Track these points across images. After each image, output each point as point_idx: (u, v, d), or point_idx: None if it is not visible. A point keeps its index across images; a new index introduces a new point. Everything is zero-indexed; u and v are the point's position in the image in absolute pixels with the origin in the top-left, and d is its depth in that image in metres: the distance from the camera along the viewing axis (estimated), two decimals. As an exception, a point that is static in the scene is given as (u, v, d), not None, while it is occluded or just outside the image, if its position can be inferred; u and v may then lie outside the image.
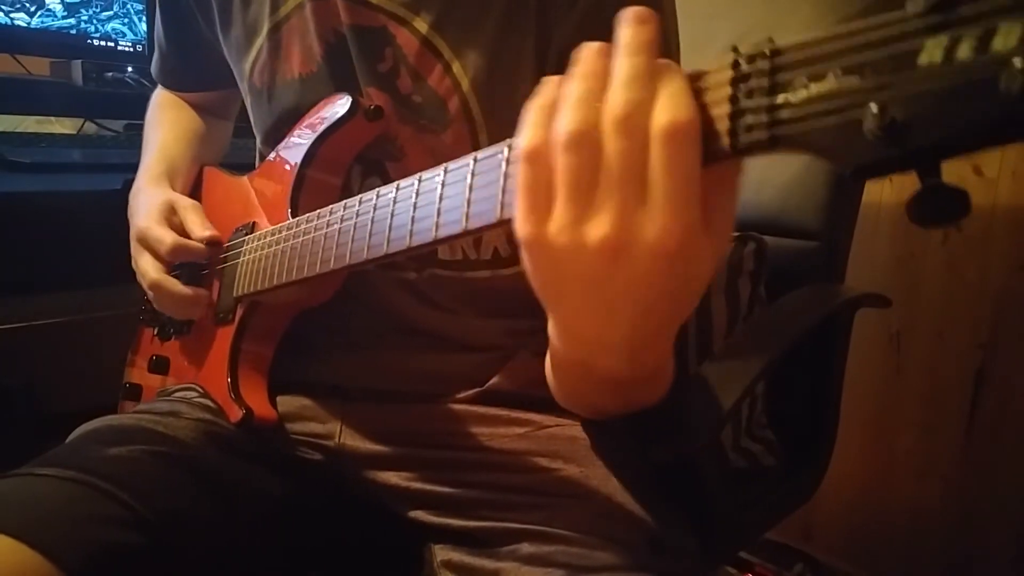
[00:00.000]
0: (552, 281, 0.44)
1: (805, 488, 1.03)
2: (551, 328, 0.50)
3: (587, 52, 0.41)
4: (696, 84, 0.40)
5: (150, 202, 0.86)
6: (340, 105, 0.73)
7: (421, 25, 0.70)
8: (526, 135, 0.42)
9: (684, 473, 0.79)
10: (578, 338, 0.48)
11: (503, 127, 0.68)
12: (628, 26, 0.40)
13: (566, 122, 0.40)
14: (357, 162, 0.77)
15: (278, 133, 0.81)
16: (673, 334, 0.49)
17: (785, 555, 1.60)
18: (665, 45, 0.67)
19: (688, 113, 0.38)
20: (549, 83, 0.43)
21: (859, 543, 1.57)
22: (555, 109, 0.41)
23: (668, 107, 0.38)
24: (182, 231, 0.84)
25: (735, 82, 0.38)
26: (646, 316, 0.43)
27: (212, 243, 0.82)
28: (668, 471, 0.76)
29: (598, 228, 0.39)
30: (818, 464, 1.03)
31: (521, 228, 0.42)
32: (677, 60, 0.69)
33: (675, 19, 0.71)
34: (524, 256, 0.44)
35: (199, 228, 0.83)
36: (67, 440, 0.77)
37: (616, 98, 0.39)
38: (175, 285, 0.82)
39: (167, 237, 0.81)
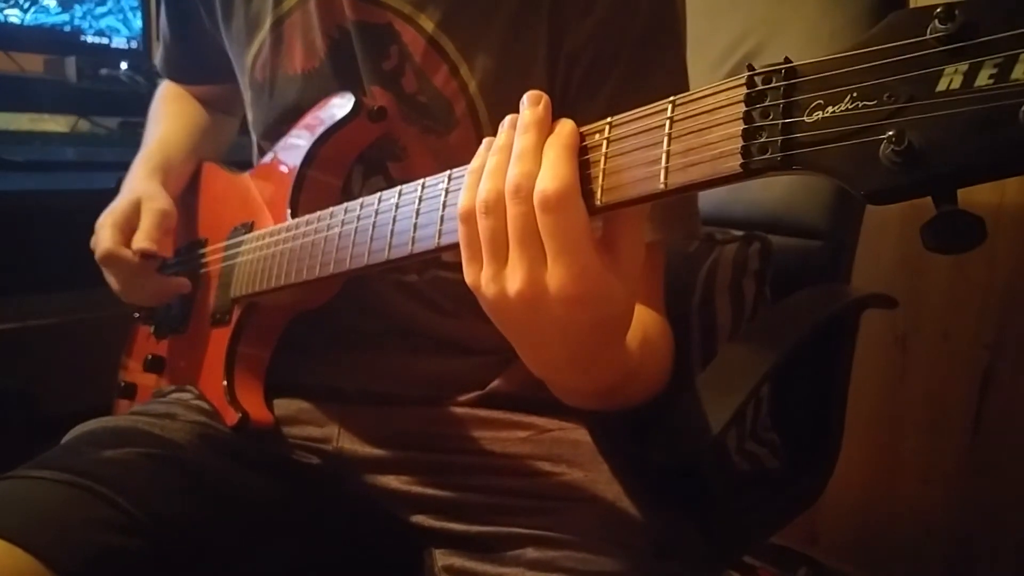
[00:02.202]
0: (496, 320, 0.50)
1: (810, 491, 1.02)
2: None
3: (501, 127, 0.49)
4: (706, 101, 0.41)
5: (123, 196, 0.85)
6: (343, 104, 0.72)
7: (427, 23, 0.69)
8: (461, 198, 0.48)
9: (689, 476, 0.78)
10: (532, 363, 0.54)
11: None
12: (523, 107, 0.47)
13: (481, 192, 0.46)
14: (359, 162, 0.76)
15: (278, 129, 0.80)
16: (614, 353, 0.54)
17: (790, 558, 1.59)
18: (681, 64, 0.69)
19: (558, 181, 0.43)
20: (483, 147, 0.49)
21: (864, 546, 1.56)
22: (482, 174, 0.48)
23: (544, 177, 0.44)
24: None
25: (749, 100, 0.38)
26: (576, 348, 0.49)
27: (146, 256, 0.81)
28: (673, 474, 0.75)
29: (512, 283, 0.46)
30: (823, 467, 1.02)
31: (466, 277, 0.49)
32: (684, 70, 0.69)
33: (684, 27, 0.70)
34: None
35: (141, 236, 0.80)
36: (62, 442, 0.76)
37: (510, 172, 0.46)
38: (145, 282, 0.83)
39: (104, 243, 0.81)
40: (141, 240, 0.80)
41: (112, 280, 0.84)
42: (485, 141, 0.49)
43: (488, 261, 0.46)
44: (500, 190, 0.46)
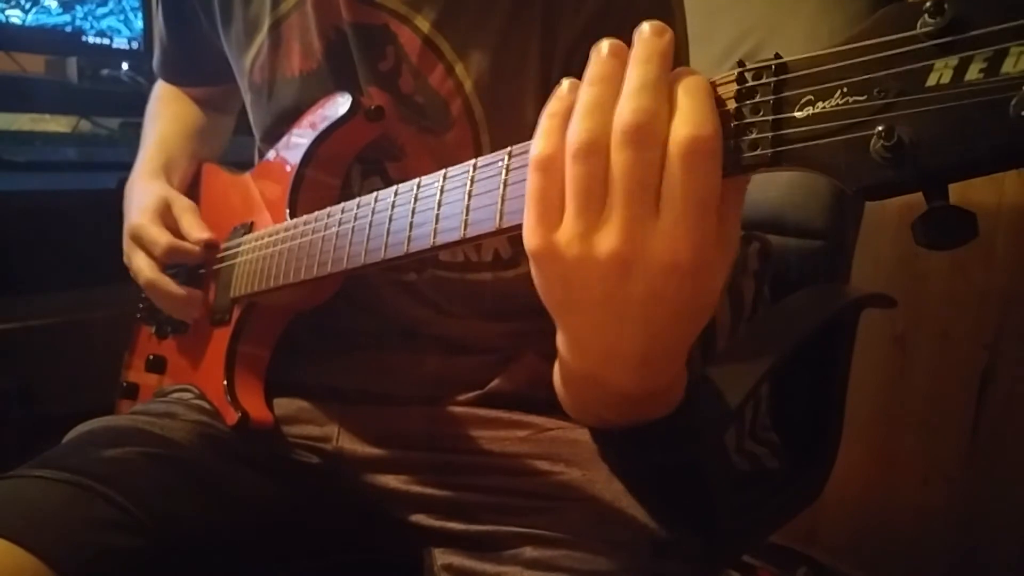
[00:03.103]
0: (561, 294, 0.43)
1: (809, 491, 1.02)
2: (560, 341, 0.49)
3: (597, 55, 0.40)
4: None
5: (145, 198, 0.85)
6: (340, 104, 0.72)
7: (423, 24, 0.69)
8: (537, 143, 0.41)
9: (688, 476, 0.78)
10: (588, 352, 0.48)
11: (506, 129, 0.68)
12: (640, 36, 0.40)
13: (576, 131, 0.39)
14: (357, 162, 0.76)
15: (278, 131, 0.80)
16: (685, 350, 0.48)
17: (789, 558, 1.59)
18: (675, 56, 0.67)
19: (710, 127, 0.37)
20: (562, 88, 0.42)
21: (863, 545, 1.56)
22: (567, 116, 0.40)
23: (689, 120, 0.37)
24: (176, 231, 0.83)
25: (739, 97, 0.38)
26: (658, 332, 0.43)
27: (208, 246, 0.82)
28: (672, 474, 0.75)
29: (607, 241, 0.39)
30: (822, 466, 1.02)
31: (529, 239, 0.41)
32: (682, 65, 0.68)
33: (684, 25, 0.70)
34: (533, 267, 0.43)
35: (196, 230, 0.82)
36: (63, 441, 0.76)
37: (623, 107, 0.38)
38: (170, 285, 0.82)
39: (162, 238, 0.81)
40: (201, 232, 0.81)
41: (156, 278, 0.82)
42: (566, 81, 0.42)
43: (575, 217, 0.39)
44: (601, 130, 0.39)
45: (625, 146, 0.38)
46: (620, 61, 0.40)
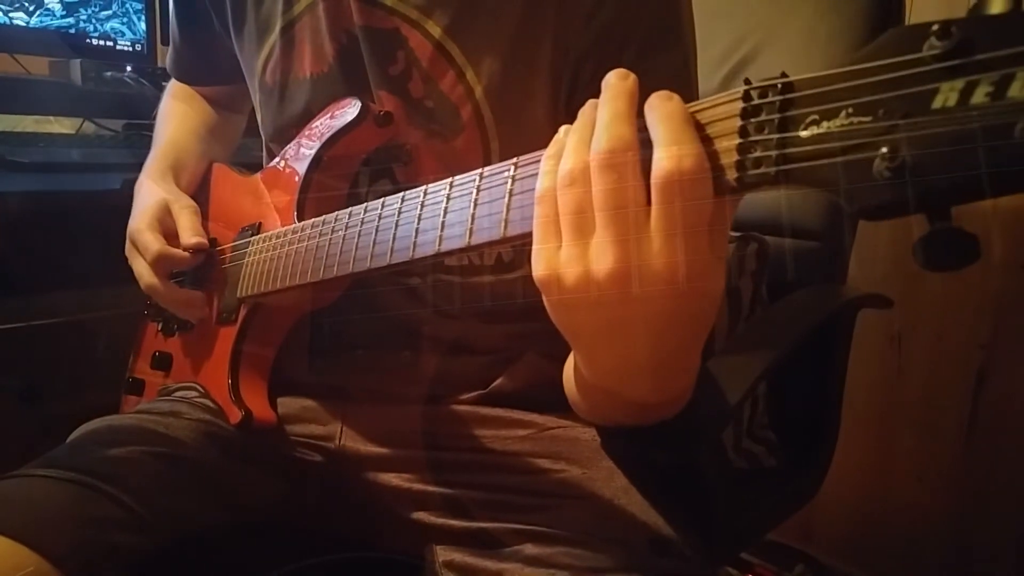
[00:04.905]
0: (569, 314, 0.45)
1: (806, 489, 1.02)
2: (576, 359, 0.51)
3: (587, 105, 0.45)
4: (704, 114, 0.40)
5: (147, 200, 0.86)
6: (349, 109, 0.72)
7: (434, 28, 0.69)
8: (539, 182, 0.45)
9: (686, 474, 0.79)
10: (602, 367, 0.50)
11: (515, 136, 0.68)
12: (606, 83, 0.44)
13: (565, 163, 0.43)
14: (365, 166, 0.76)
15: (287, 133, 0.80)
16: (697, 355, 0.49)
17: (786, 556, 1.59)
18: (685, 70, 0.67)
19: (688, 160, 0.39)
20: (559, 132, 0.46)
21: (860, 544, 1.56)
22: (561, 157, 0.44)
23: (667, 153, 0.39)
24: (175, 233, 0.83)
25: (745, 115, 0.38)
26: (664, 339, 0.45)
27: (199, 251, 0.82)
28: (670, 472, 0.76)
29: (600, 260, 0.41)
30: (819, 465, 1.02)
31: (536, 266, 0.44)
32: (689, 75, 0.68)
33: (692, 32, 0.70)
34: (544, 297, 0.45)
35: (189, 234, 0.82)
36: (67, 440, 0.77)
37: (597, 137, 0.42)
38: (170, 289, 0.82)
39: (153, 245, 0.81)
40: (191, 237, 0.81)
41: (155, 283, 0.82)
42: (562, 128, 0.46)
43: (571, 240, 0.42)
44: (583, 162, 0.42)
45: (602, 171, 0.41)
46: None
